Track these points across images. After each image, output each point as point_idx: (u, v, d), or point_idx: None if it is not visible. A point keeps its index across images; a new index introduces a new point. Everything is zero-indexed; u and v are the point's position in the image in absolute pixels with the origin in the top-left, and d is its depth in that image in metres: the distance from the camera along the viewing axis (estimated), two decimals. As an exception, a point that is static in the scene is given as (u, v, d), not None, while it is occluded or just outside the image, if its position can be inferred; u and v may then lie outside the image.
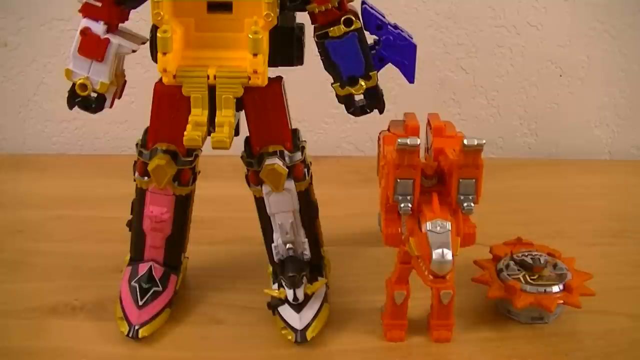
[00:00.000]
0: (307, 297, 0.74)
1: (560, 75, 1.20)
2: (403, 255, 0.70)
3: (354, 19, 0.68)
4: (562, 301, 0.74)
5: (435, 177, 0.69)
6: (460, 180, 0.66)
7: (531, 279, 0.75)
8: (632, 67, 1.19)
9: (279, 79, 0.71)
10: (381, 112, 0.71)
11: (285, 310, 0.74)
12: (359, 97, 0.71)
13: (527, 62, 1.19)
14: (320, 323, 0.74)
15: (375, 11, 0.70)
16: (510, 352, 0.72)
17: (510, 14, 1.16)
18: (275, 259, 0.76)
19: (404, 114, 0.78)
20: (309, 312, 0.74)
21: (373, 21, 0.70)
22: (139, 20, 0.72)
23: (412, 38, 0.71)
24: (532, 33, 1.17)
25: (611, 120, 1.22)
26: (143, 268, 0.77)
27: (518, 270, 0.77)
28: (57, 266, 0.86)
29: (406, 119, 0.76)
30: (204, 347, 0.73)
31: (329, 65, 0.69)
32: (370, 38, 0.70)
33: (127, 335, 0.73)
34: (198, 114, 0.66)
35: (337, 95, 0.71)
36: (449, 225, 0.63)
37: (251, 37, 0.63)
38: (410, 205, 0.66)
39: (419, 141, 0.64)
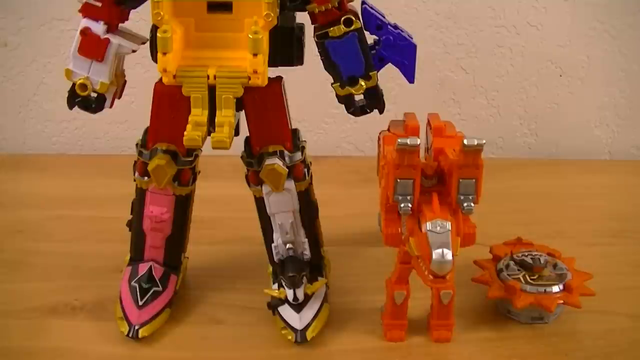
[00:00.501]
0: (307, 297, 0.74)
1: (560, 75, 1.20)
2: (403, 255, 0.70)
3: (354, 19, 0.68)
4: (562, 301, 0.74)
5: (435, 177, 0.69)
6: (460, 180, 0.66)
7: (531, 279, 0.75)
8: (632, 67, 1.19)
9: (279, 79, 0.71)
10: (381, 112, 0.71)
11: (285, 310, 0.74)
12: (359, 97, 0.71)
13: (527, 62, 1.19)
14: (320, 323, 0.74)
15: (375, 11, 0.70)
16: (510, 352, 0.73)
17: (510, 14, 1.16)
18: (275, 259, 0.76)
19: (404, 114, 0.78)
20: (309, 312, 0.74)
21: (373, 21, 0.70)
22: (139, 20, 0.72)
23: (412, 38, 0.71)
24: (532, 33, 1.17)
25: (611, 120, 1.23)
26: (143, 268, 0.77)
27: (518, 270, 0.77)
28: (57, 266, 0.86)
29: (406, 119, 0.76)
30: (204, 347, 0.73)
31: (329, 65, 0.69)
32: (370, 38, 0.70)
33: (127, 335, 0.73)
34: (198, 114, 0.66)
35: (337, 95, 0.71)
36: (449, 225, 0.63)
37: (251, 37, 0.63)
38: (410, 205, 0.66)
39: (419, 141, 0.64)
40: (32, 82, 1.18)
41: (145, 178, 0.73)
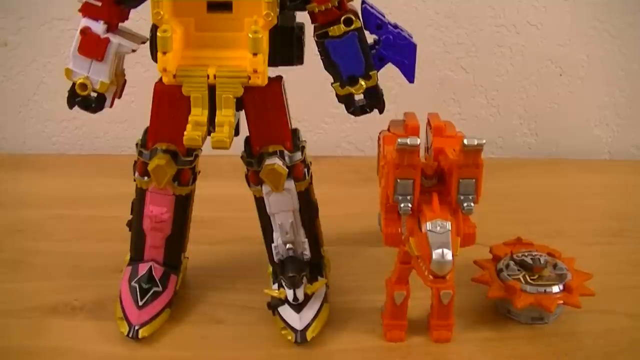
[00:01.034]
0: (307, 297, 0.74)
1: (560, 75, 1.20)
2: (403, 255, 0.70)
3: (353, 18, 0.68)
4: (562, 301, 0.74)
5: (435, 177, 0.69)
6: (460, 180, 0.66)
7: (531, 279, 0.75)
8: (632, 67, 1.19)
9: (279, 78, 0.71)
10: (381, 111, 0.71)
11: (285, 310, 0.74)
12: (359, 97, 0.70)
13: (527, 62, 1.19)
14: (320, 323, 0.74)
15: (375, 11, 0.70)
16: (510, 352, 0.73)
17: (510, 14, 1.16)
18: (275, 259, 0.75)
19: (404, 113, 0.78)
20: (309, 312, 0.74)
21: (373, 21, 0.70)
22: (139, 20, 0.72)
23: (412, 37, 0.71)
24: (532, 32, 1.17)
25: (611, 120, 1.22)
26: (143, 268, 0.77)
27: (518, 270, 0.77)
28: (57, 266, 0.86)
29: (406, 118, 0.76)
30: (204, 347, 0.73)
31: (329, 64, 0.69)
32: (370, 37, 0.70)
33: (127, 335, 0.73)
34: (198, 113, 0.66)
35: (337, 95, 0.71)
36: (449, 225, 0.63)
37: (251, 36, 0.63)
38: (410, 205, 0.66)
39: (419, 141, 0.64)
40: (32, 82, 1.18)
41: (145, 178, 0.73)
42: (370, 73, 0.69)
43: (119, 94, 0.72)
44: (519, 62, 1.19)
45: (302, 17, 0.70)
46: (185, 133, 0.65)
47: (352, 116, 0.72)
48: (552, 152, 1.23)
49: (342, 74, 0.69)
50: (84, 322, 0.76)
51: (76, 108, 0.71)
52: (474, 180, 0.66)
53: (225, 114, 0.66)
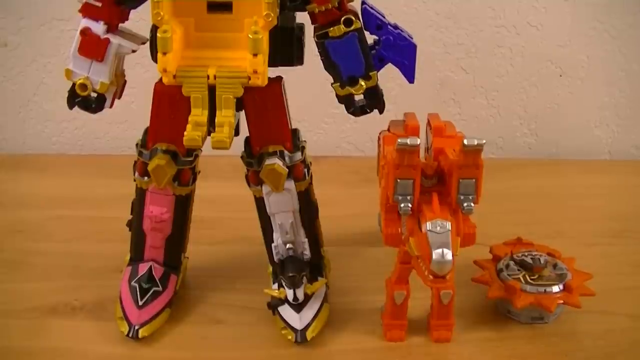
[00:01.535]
0: (307, 297, 0.74)
1: (560, 75, 1.20)
2: (403, 255, 0.70)
3: (354, 19, 0.68)
4: (562, 301, 0.74)
5: (435, 177, 0.69)
6: (460, 180, 0.66)
7: (531, 279, 0.75)
8: (632, 67, 1.19)
9: (279, 79, 0.71)
10: (381, 112, 0.71)
11: (285, 310, 0.74)
12: (359, 97, 0.71)
13: (527, 62, 1.19)
14: (320, 323, 0.74)
15: (375, 11, 0.70)
16: (510, 352, 0.73)
17: (510, 14, 1.16)
18: (275, 259, 0.75)
19: (404, 114, 0.78)
20: (309, 312, 0.74)
21: (373, 21, 0.70)
22: (139, 20, 0.72)
23: (412, 38, 0.71)
24: (532, 33, 1.17)
25: (611, 120, 1.22)
26: (143, 268, 0.77)
27: (518, 270, 0.77)
28: (57, 266, 0.86)
29: (406, 119, 0.76)
30: (204, 347, 0.73)
31: (329, 65, 0.69)
32: (370, 38, 0.70)
33: (127, 335, 0.73)
34: (198, 114, 0.66)
35: (337, 95, 0.71)
36: (449, 225, 0.63)
37: (251, 37, 0.63)
38: (410, 205, 0.66)
39: (419, 141, 0.64)
40: (32, 82, 1.18)
41: (145, 178, 0.73)
42: (370, 73, 0.69)
43: (119, 94, 0.72)
44: (519, 62, 1.19)
45: (302, 17, 0.70)
46: (185, 133, 0.65)
47: (352, 116, 0.72)
48: (552, 153, 1.23)
49: (342, 74, 0.69)
50: (84, 323, 0.76)
51: (76, 108, 0.71)
52: (474, 180, 0.66)
53: (225, 115, 0.66)
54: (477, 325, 0.76)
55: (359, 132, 1.20)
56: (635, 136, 1.24)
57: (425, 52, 0.77)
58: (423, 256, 0.64)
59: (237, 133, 0.72)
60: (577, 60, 1.19)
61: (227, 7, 0.66)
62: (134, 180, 0.75)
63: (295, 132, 0.73)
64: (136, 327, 0.73)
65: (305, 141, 0.74)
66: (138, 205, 0.76)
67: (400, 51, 0.70)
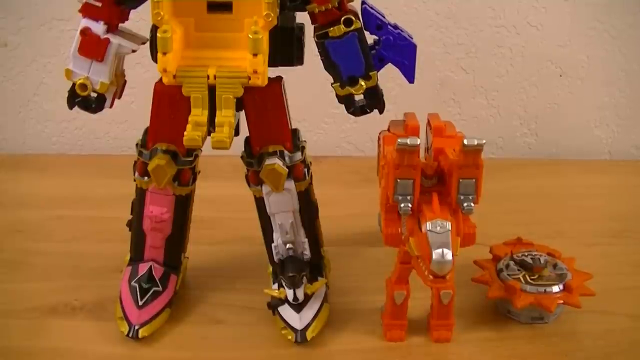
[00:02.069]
0: (307, 297, 0.74)
1: (560, 75, 1.20)
2: (403, 255, 0.70)
3: (354, 19, 0.68)
4: (562, 301, 0.74)
5: (435, 177, 0.69)
6: (460, 180, 0.66)
7: (531, 279, 0.75)
8: (632, 67, 1.19)
9: (279, 79, 0.71)
10: (381, 112, 0.71)
11: (285, 310, 0.74)
12: (359, 97, 0.71)
13: (527, 62, 1.19)
14: (320, 323, 0.74)
15: (375, 11, 0.70)
16: (510, 352, 0.73)
17: (510, 14, 1.16)
18: (275, 259, 0.76)
19: (404, 114, 0.78)
20: (309, 312, 0.74)
21: (373, 21, 0.70)
22: (139, 20, 0.72)
23: (412, 38, 0.71)
24: (532, 33, 1.17)
25: (611, 120, 1.22)
26: (143, 268, 0.77)
27: (518, 270, 0.77)
28: (57, 266, 0.86)
29: (406, 119, 0.76)
30: (204, 347, 0.73)
31: (329, 65, 0.69)
32: (370, 38, 0.70)
33: (127, 335, 0.73)
34: (198, 114, 0.66)
35: (337, 95, 0.71)
36: (449, 225, 0.63)
37: (251, 37, 0.63)
38: (410, 205, 0.66)
39: (419, 141, 0.64)
40: (32, 82, 1.18)
41: (145, 178, 0.73)
42: (370, 73, 0.69)
43: (119, 94, 0.72)
44: (519, 62, 1.19)
45: (302, 17, 0.70)
46: (185, 133, 0.65)
47: (352, 116, 0.72)
48: (552, 153, 1.23)
49: (342, 74, 0.69)
50: (84, 323, 0.76)
51: (76, 108, 0.71)
52: (474, 180, 0.66)
53: (225, 115, 0.66)
54: (477, 325, 0.76)
55: (359, 132, 1.20)
56: (635, 136, 1.24)
57: (425, 52, 0.77)
58: (423, 256, 0.64)
59: (237, 133, 0.72)
60: (577, 60, 1.19)
61: (227, 7, 0.66)
62: (134, 180, 0.75)
63: (295, 132, 0.73)
64: (136, 327, 0.73)
65: (305, 141, 0.74)
66: (138, 205, 0.76)
67: (400, 51, 0.70)
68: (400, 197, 0.66)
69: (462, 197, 0.66)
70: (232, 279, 0.83)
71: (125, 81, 0.73)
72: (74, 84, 0.69)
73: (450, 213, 0.65)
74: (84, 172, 1.12)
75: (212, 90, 0.66)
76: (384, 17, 0.70)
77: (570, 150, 1.23)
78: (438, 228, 0.63)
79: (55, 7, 1.13)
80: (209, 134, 0.66)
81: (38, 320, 0.76)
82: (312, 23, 0.69)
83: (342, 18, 0.68)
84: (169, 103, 0.69)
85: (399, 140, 0.64)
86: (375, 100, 0.71)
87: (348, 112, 0.71)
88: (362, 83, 0.70)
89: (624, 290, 0.82)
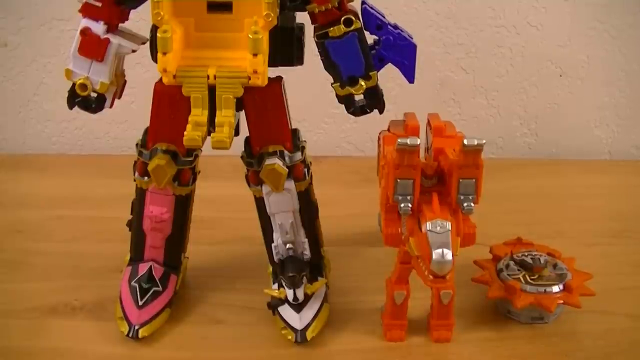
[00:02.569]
0: (307, 297, 0.74)
1: (560, 75, 1.20)
2: (403, 255, 0.70)
3: (354, 19, 0.68)
4: (562, 301, 0.74)
5: (435, 177, 0.69)
6: (460, 180, 0.66)
7: (531, 279, 0.75)
8: (632, 67, 1.19)
9: (279, 79, 0.71)
10: (381, 112, 0.71)
11: (285, 310, 0.74)
12: (359, 97, 0.71)
13: (527, 62, 1.19)
14: (320, 323, 0.74)
15: (375, 11, 0.70)
16: (510, 352, 0.73)
17: (510, 14, 1.16)
18: (275, 259, 0.76)
19: (404, 114, 0.78)
20: (309, 312, 0.74)
21: (373, 21, 0.70)
22: (139, 20, 0.72)
23: (412, 38, 0.71)
24: (532, 33, 1.17)
25: (611, 120, 1.22)
26: (143, 268, 0.77)
27: (518, 270, 0.77)
28: (57, 266, 0.86)
29: (406, 119, 0.76)
30: (204, 347, 0.73)
31: (329, 65, 0.69)
32: (370, 38, 0.70)
33: (127, 335, 0.73)
34: (198, 114, 0.66)
35: (337, 95, 0.71)
36: (449, 225, 0.63)
37: (251, 37, 0.63)
38: (410, 205, 0.66)
39: (419, 141, 0.64)
40: (32, 82, 1.18)
41: (145, 178, 0.73)
42: (370, 73, 0.69)
43: (119, 94, 0.73)
44: (519, 62, 1.19)
45: (302, 17, 0.70)
46: (185, 133, 0.65)
47: (352, 116, 0.72)
48: (552, 153, 1.23)
49: (342, 74, 0.69)
50: (84, 323, 0.76)
51: (76, 108, 0.71)
52: (474, 180, 0.66)
53: (225, 115, 0.66)
54: (477, 325, 0.76)
55: (359, 132, 1.20)
56: (635, 136, 1.24)
57: (425, 52, 0.77)
58: (423, 256, 0.64)
59: (237, 133, 0.72)
60: (577, 60, 1.19)
61: (227, 7, 0.66)
62: (134, 180, 0.75)
63: (295, 132, 0.73)
64: (136, 327, 0.73)
65: (305, 141, 0.74)
66: (138, 205, 0.76)
67: (400, 51, 0.70)
68: (400, 197, 0.66)
69: (462, 197, 0.66)
70: (232, 279, 0.83)
71: (125, 81, 0.73)
72: (74, 84, 0.69)
73: (450, 213, 0.65)
74: (84, 172, 1.12)
75: (212, 90, 0.66)
76: (384, 17, 0.70)
77: (570, 150, 1.23)
78: (438, 228, 0.63)
79: (55, 7, 1.13)
80: (209, 134, 0.66)
81: (38, 320, 0.76)
82: (312, 23, 0.69)
83: (342, 18, 0.68)
84: (169, 103, 0.69)
85: (399, 140, 0.64)
86: (375, 100, 0.71)
87: (348, 112, 0.71)
88: (362, 83, 0.70)
89: (624, 290, 0.82)
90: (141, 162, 0.73)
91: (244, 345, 0.73)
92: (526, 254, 0.79)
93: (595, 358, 0.72)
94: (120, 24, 0.71)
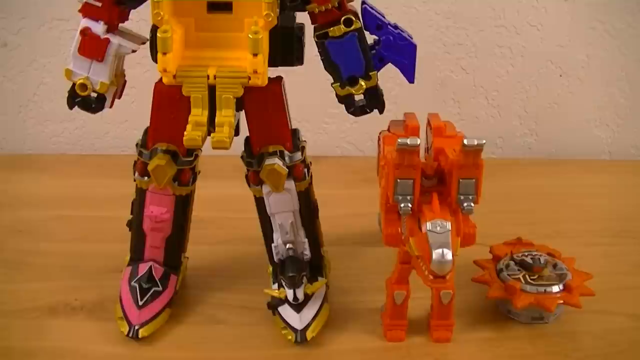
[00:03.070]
0: (307, 297, 0.74)
1: (560, 75, 1.20)
2: (403, 255, 0.70)
3: (354, 19, 0.68)
4: (562, 301, 0.74)
5: (435, 177, 0.69)
6: (460, 180, 0.66)
7: (531, 279, 0.75)
8: (632, 67, 1.19)
9: (279, 79, 0.71)
10: (381, 112, 0.71)
11: (285, 310, 0.74)
12: (359, 97, 0.71)
13: (527, 62, 1.19)
14: (320, 323, 0.74)
15: (375, 11, 0.70)
16: (510, 352, 0.73)
17: (510, 14, 1.16)
18: (275, 259, 0.76)
19: (404, 114, 0.78)
20: (309, 312, 0.74)
21: (373, 21, 0.70)
22: (139, 20, 0.72)
23: (412, 38, 0.71)
24: (532, 33, 1.17)
25: (611, 120, 1.23)
26: (143, 268, 0.77)
27: (518, 270, 0.77)
28: (57, 266, 0.86)
29: (406, 119, 0.76)
30: (204, 347, 0.73)
31: (329, 65, 0.69)
32: (370, 38, 0.70)
33: (127, 335, 0.73)
34: (198, 114, 0.66)
35: (337, 95, 0.71)
36: (449, 225, 0.63)
37: (251, 37, 0.63)
38: (410, 205, 0.66)
39: (419, 141, 0.64)
40: (32, 82, 1.19)
41: (145, 178, 0.73)
42: (370, 73, 0.69)
43: (119, 94, 0.73)
44: (519, 62, 1.19)
45: (302, 17, 0.70)
46: (185, 133, 0.65)
47: (352, 116, 0.72)
48: (552, 152, 1.23)
49: (342, 74, 0.69)
50: (84, 322, 0.76)
51: (76, 108, 0.71)
52: (474, 180, 0.66)
53: (225, 114, 0.66)
54: (477, 325, 0.76)
55: (359, 132, 1.20)
56: (635, 136, 1.24)
57: (425, 52, 0.77)
58: (423, 256, 0.64)
59: (237, 133, 0.72)
60: (577, 60, 1.19)
61: (227, 7, 0.66)
62: (134, 180, 0.75)
63: (295, 132, 0.73)
64: (136, 327, 0.73)
65: (305, 141, 0.74)
66: (138, 205, 0.76)
67: (400, 51, 0.70)
68: (400, 197, 0.66)
69: (462, 197, 0.66)
70: (232, 279, 0.83)
71: (125, 81, 0.73)
72: (74, 84, 0.70)
73: (450, 213, 0.65)
74: (84, 172, 1.12)
75: (212, 90, 0.66)
76: (384, 17, 0.70)
77: (570, 150, 1.23)
78: (438, 228, 0.63)
79: (55, 7, 1.13)
80: (209, 134, 0.66)
81: (38, 320, 0.76)
82: (312, 23, 0.69)
83: (342, 18, 0.68)
84: (169, 103, 0.69)
85: (399, 140, 0.64)
86: (375, 100, 0.71)
87: (348, 112, 0.71)
88: (362, 83, 0.70)
89: (624, 290, 0.82)
90: (141, 162, 0.73)
91: (243, 345, 0.73)
92: (526, 254, 0.79)
93: (595, 358, 0.72)
94: (120, 24, 0.71)
